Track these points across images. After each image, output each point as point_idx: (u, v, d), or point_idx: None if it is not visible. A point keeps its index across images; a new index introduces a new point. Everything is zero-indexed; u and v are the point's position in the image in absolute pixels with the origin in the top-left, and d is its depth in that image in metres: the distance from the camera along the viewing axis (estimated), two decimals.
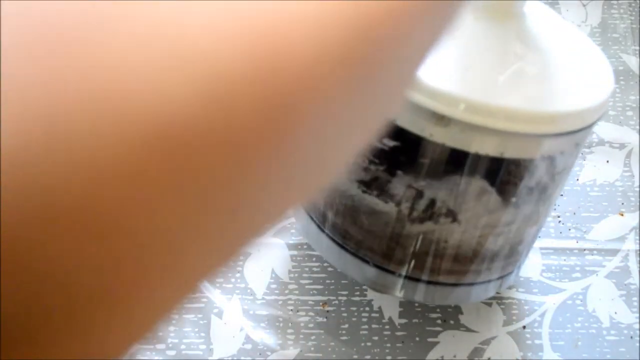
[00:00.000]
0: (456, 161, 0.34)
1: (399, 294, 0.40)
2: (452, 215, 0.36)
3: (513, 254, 0.40)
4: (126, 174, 0.10)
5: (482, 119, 0.32)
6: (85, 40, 0.10)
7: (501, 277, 0.41)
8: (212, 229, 0.12)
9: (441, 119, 0.32)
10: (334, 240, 0.41)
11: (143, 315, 0.12)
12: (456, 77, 0.33)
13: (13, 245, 0.10)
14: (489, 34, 0.35)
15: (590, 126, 0.35)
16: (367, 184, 0.37)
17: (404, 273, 0.39)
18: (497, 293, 0.46)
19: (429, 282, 0.40)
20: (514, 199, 0.36)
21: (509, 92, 0.33)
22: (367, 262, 0.40)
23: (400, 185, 0.36)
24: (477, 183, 0.35)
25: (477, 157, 0.34)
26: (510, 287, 0.47)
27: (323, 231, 0.41)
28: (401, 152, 0.35)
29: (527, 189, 0.36)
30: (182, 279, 0.13)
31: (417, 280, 0.39)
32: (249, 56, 0.11)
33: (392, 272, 0.40)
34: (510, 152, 0.33)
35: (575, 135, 0.35)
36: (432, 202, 0.36)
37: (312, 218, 0.42)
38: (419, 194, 0.36)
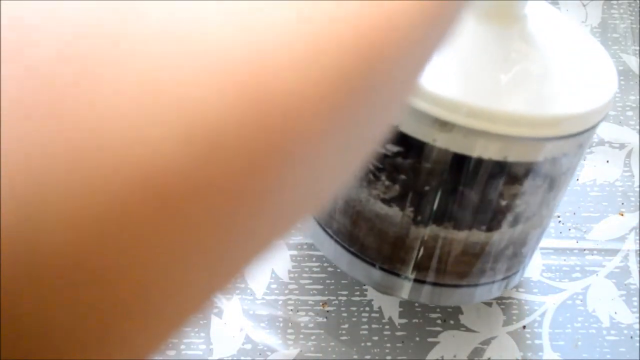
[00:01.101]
0: (460, 166, 0.34)
1: (405, 295, 0.40)
2: (456, 219, 0.36)
3: (517, 255, 0.40)
4: (111, 225, 0.10)
5: (485, 123, 0.32)
6: (67, 95, 0.10)
7: (506, 278, 0.41)
8: (199, 272, 0.12)
9: (444, 125, 0.32)
10: (340, 244, 0.41)
11: (126, 354, 0.12)
12: (458, 82, 0.33)
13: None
14: (490, 37, 0.35)
15: (593, 127, 0.35)
16: (373, 189, 0.37)
17: (409, 275, 0.39)
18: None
19: (434, 284, 0.40)
20: (518, 202, 0.36)
21: (512, 95, 0.33)
22: (373, 265, 0.40)
23: (404, 189, 0.36)
24: (481, 187, 0.35)
25: (481, 162, 0.33)
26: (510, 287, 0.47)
27: (329, 234, 0.41)
28: (405, 157, 0.35)
29: (531, 191, 0.36)
30: (168, 319, 0.13)
31: (423, 282, 0.39)
32: (234, 102, 0.11)
33: (398, 275, 0.40)
34: (513, 155, 0.33)
35: (579, 137, 0.34)
36: (436, 206, 0.36)
37: (318, 222, 0.42)
38: (422, 198, 0.36)
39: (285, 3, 0.12)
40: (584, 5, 0.60)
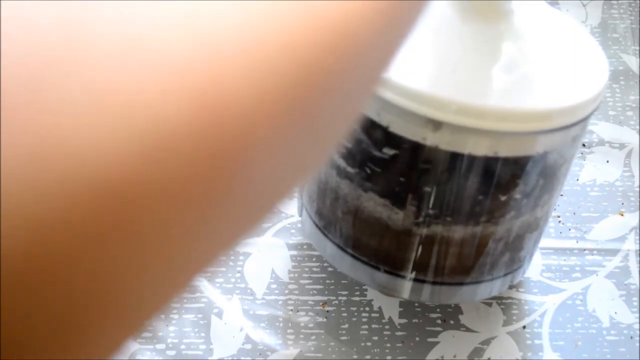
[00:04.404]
0: (453, 163, 0.34)
1: (408, 296, 0.40)
2: (454, 216, 0.36)
3: (517, 250, 0.40)
4: (69, 228, 0.10)
5: (473, 120, 0.32)
6: (25, 105, 0.10)
7: (507, 274, 0.41)
8: (158, 274, 0.12)
9: (433, 123, 0.32)
10: (342, 248, 0.41)
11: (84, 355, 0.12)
12: (445, 80, 0.33)
13: None
14: (476, 34, 0.35)
15: (585, 119, 0.35)
16: (370, 192, 0.37)
17: (411, 275, 0.39)
18: (499, 293, 0.46)
19: (436, 283, 0.39)
20: (515, 197, 0.36)
21: (499, 91, 0.33)
22: (377, 268, 0.40)
23: (401, 190, 0.36)
24: (476, 183, 0.35)
25: (472, 158, 0.33)
26: (510, 287, 0.47)
27: (331, 240, 0.41)
28: (399, 158, 0.35)
29: (527, 186, 0.36)
30: (125, 320, 0.13)
31: (424, 281, 0.39)
32: (184, 106, 0.11)
33: (402, 276, 0.40)
34: (504, 151, 0.33)
35: (570, 129, 0.34)
36: (434, 205, 0.36)
37: (319, 227, 0.42)
38: (420, 198, 0.36)
39: (237, 8, 0.12)
40: (584, 5, 0.60)
